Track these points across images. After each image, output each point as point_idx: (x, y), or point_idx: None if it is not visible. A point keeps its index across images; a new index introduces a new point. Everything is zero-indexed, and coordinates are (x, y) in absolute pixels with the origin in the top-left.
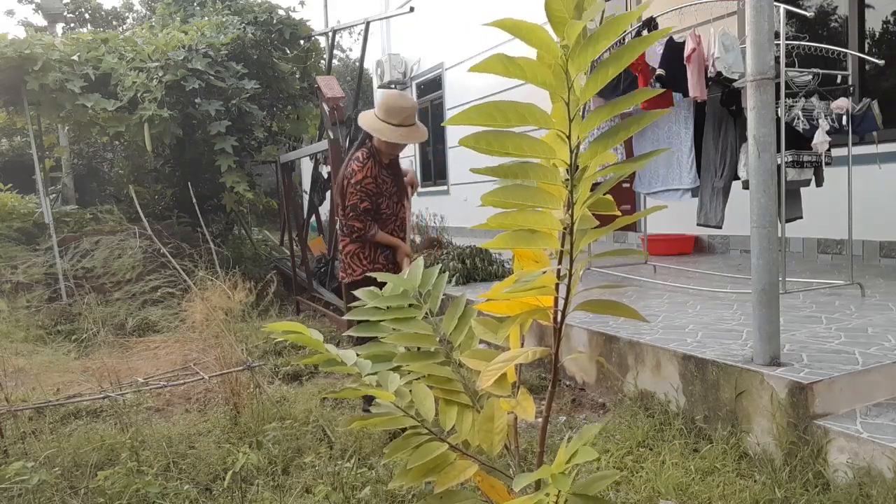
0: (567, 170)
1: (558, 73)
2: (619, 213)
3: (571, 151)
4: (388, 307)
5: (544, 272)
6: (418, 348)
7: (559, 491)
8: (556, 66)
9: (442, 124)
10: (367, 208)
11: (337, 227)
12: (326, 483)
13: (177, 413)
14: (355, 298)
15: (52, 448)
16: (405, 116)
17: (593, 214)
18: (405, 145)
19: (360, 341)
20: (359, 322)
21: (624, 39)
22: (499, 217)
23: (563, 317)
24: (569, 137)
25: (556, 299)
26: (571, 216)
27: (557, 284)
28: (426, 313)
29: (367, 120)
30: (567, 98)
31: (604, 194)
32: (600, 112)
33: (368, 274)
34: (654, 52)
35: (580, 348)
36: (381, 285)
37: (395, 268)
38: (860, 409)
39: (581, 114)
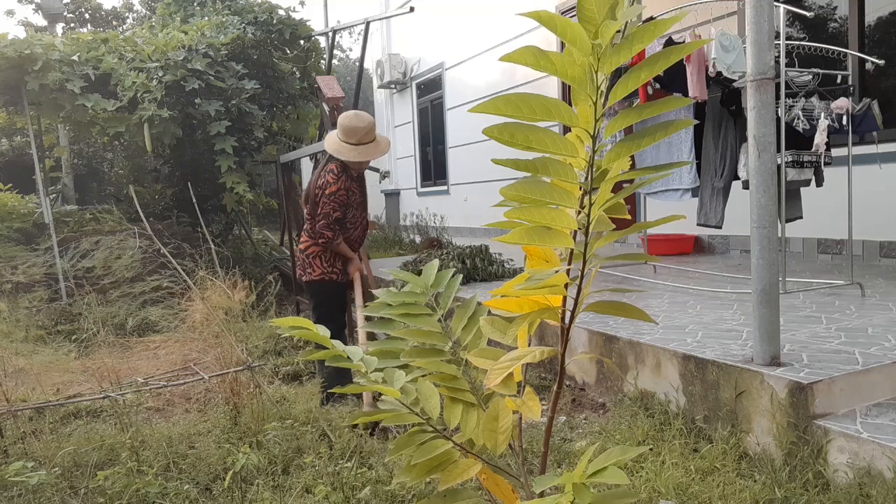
0: (585, 170)
1: (589, 72)
2: (628, 216)
3: (594, 152)
4: (403, 302)
5: (556, 271)
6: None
7: (573, 499)
8: (587, 64)
9: (469, 110)
10: (338, 218)
11: (305, 227)
12: (326, 483)
13: (177, 413)
14: (317, 296)
15: (52, 448)
16: (362, 135)
17: None
18: (367, 164)
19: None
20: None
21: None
22: (515, 211)
23: (573, 317)
24: (593, 137)
25: (566, 299)
26: (588, 217)
27: (567, 284)
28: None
29: (330, 142)
30: (595, 97)
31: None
32: (628, 114)
33: (328, 276)
34: (653, 52)
35: (580, 348)
36: (337, 287)
37: (348, 277)
38: (860, 409)
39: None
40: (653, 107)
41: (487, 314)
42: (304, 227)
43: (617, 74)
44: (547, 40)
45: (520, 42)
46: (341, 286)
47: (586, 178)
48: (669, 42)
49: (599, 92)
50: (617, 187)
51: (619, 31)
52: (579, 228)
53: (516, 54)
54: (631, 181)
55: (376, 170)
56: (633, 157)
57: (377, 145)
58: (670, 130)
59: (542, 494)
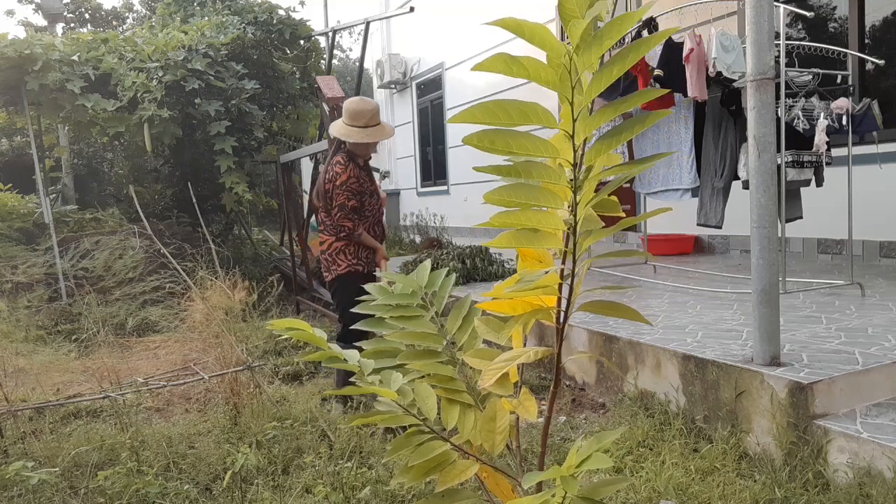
0: (571, 169)
1: (562, 73)
2: (622, 214)
3: (575, 151)
4: (396, 304)
5: (547, 272)
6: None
7: (565, 493)
8: (561, 65)
9: (447, 121)
10: (354, 206)
11: (317, 226)
12: (326, 483)
13: (177, 413)
14: (343, 295)
15: (52, 448)
16: (368, 118)
17: (598, 215)
18: (376, 145)
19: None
20: (363, 317)
21: (624, 41)
22: (502, 216)
23: (566, 317)
24: (572, 137)
25: (559, 299)
26: (575, 216)
27: (560, 284)
28: (433, 313)
29: (336, 127)
30: (571, 97)
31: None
32: (605, 111)
33: (354, 268)
34: (653, 52)
35: (580, 348)
36: (365, 279)
37: (375, 267)
38: (860, 409)
39: (589, 113)
40: (628, 101)
41: (482, 315)
42: (319, 227)
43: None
44: None
45: (520, 42)
46: (369, 277)
47: (572, 178)
48: (669, 42)
49: (576, 91)
50: (619, 186)
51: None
52: (568, 228)
53: (487, 63)
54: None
55: (376, 170)
56: (632, 157)
57: (382, 128)
58: (647, 122)
59: (540, 488)
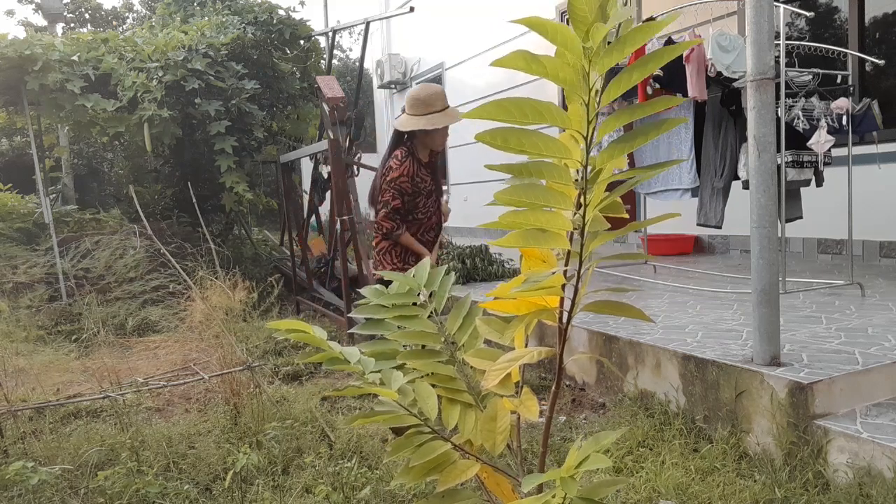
0: (580, 171)
1: (580, 73)
2: (626, 215)
3: (587, 153)
4: (393, 304)
5: (553, 273)
6: (423, 346)
7: (565, 493)
8: (579, 65)
9: (460, 117)
10: (397, 207)
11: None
12: (326, 483)
13: (177, 413)
14: None
15: (52, 448)
16: (430, 104)
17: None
18: (445, 139)
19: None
20: (365, 319)
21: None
22: (510, 215)
23: (570, 318)
24: (586, 138)
25: (563, 300)
26: (583, 217)
27: (564, 285)
28: (431, 312)
29: (402, 121)
30: (587, 99)
31: (603, 196)
32: (621, 115)
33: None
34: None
35: (580, 348)
36: None
37: None
38: (860, 409)
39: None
40: (645, 107)
41: (483, 314)
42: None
43: (612, 74)
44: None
45: (521, 42)
46: None
47: (580, 179)
48: (669, 42)
49: (593, 93)
50: (613, 187)
51: (613, 31)
52: (575, 229)
53: (508, 59)
54: (626, 181)
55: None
56: (632, 158)
57: (449, 112)
58: (662, 129)
59: (540, 489)
